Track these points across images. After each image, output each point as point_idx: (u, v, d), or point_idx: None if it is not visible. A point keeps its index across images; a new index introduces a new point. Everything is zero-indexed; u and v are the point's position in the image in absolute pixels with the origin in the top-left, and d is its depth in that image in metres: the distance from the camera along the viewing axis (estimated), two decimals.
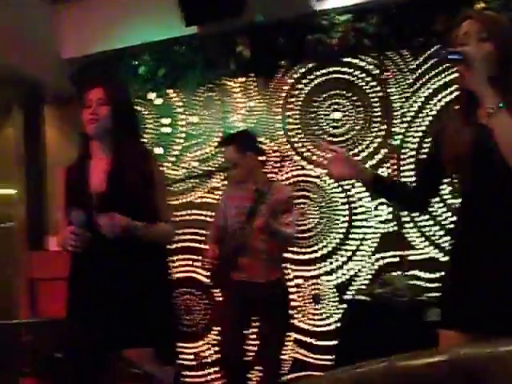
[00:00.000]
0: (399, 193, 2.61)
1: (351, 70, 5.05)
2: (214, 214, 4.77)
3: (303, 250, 5.05)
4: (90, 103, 2.92)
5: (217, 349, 5.18)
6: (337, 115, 5.08)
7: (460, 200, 2.38)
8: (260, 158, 4.55)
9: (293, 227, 4.19)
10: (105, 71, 5.42)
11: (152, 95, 5.65)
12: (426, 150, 4.70)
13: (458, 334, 2.17)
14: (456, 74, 2.36)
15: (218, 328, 5.06)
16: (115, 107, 2.92)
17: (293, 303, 4.76)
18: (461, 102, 2.33)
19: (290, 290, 4.65)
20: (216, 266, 4.23)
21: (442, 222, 4.67)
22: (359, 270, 4.90)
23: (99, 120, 2.90)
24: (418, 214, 4.11)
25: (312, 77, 5.17)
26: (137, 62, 5.51)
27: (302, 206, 5.05)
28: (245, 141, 4.35)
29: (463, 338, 2.14)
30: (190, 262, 5.41)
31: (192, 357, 5.34)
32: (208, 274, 4.68)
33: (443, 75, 4.75)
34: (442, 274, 4.51)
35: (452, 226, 4.55)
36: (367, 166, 4.78)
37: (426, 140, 4.78)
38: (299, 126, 5.19)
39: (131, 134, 2.98)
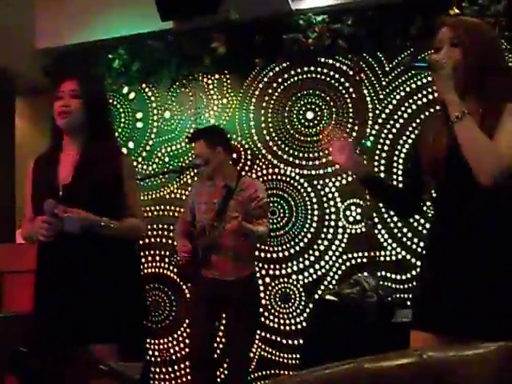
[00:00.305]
0: (388, 195, 2.61)
1: (326, 71, 5.06)
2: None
3: (273, 249, 5.06)
4: (62, 95, 2.88)
5: (183, 346, 5.17)
6: (310, 115, 5.09)
7: (434, 202, 2.40)
8: (230, 155, 4.54)
9: (265, 226, 4.18)
10: (79, 63, 5.37)
11: (126, 89, 5.61)
12: (401, 153, 4.78)
13: (430, 335, 2.18)
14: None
15: (187, 324, 5.05)
16: (88, 100, 2.89)
17: (262, 301, 4.76)
18: (440, 105, 2.35)
19: (260, 287, 4.65)
20: (185, 261, 4.22)
21: (412, 224, 4.70)
22: (329, 270, 4.92)
23: (70, 113, 2.86)
24: (405, 217, 4.14)
25: (286, 76, 5.17)
26: (111, 56, 5.48)
27: (273, 204, 5.05)
28: (215, 136, 4.34)
29: (436, 339, 2.16)
30: (159, 258, 5.38)
31: (159, 353, 5.31)
32: (178, 270, 4.66)
33: (417, 78, 4.79)
34: (411, 275, 4.61)
35: (421, 228, 4.63)
36: (337, 166, 4.80)
37: (399, 142, 4.82)
38: (272, 125, 5.19)
39: (103, 129, 2.95)
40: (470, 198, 2.16)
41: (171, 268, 5.30)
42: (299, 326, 4.95)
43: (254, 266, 4.42)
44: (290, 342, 4.96)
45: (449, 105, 2.14)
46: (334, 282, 4.88)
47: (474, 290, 2.12)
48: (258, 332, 4.85)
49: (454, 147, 2.14)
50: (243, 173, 5.03)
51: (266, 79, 5.22)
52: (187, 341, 5.01)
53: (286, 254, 5.04)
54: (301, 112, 5.12)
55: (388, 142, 4.86)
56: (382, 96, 4.91)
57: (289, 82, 5.16)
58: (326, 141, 2.61)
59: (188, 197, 4.60)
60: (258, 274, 4.75)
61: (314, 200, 5.01)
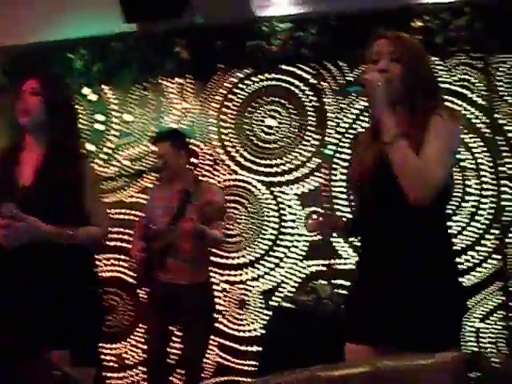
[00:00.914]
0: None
1: (288, 78, 5.08)
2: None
3: (231, 255, 5.05)
4: (23, 94, 2.84)
5: (139, 350, 5.12)
6: (271, 122, 5.10)
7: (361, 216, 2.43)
8: (190, 160, 4.54)
9: (220, 230, 4.21)
10: (40, 62, 5.29)
11: (87, 90, 5.54)
12: None
13: (363, 347, 2.20)
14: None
15: (142, 329, 5.01)
16: (48, 98, 2.84)
17: (218, 307, 4.75)
18: (369, 119, 2.39)
19: (216, 294, 4.64)
20: (141, 264, 4.19)
21: None
22: (286, 277, 4.92)
23: (30, 111, 2.81)
24: None
25: (249, 82, 5.17)
26: (72, 56, 5.40)
27: (232, 210, 5.04)
28: (179, 139, 4.36)
29: (368, 351, 2.17)
30: (117, 262, 5.33)
31: (114, 358, 5.25)
32: (133, 273, 4.62)
33: None
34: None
35: None
36: (299, 174, 4.86)
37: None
38: (233, 131, 5.18)
39: (65, 128, 2.89)
40: (393, 211, 2.20)
41: (127, 272, 5.24)
42: (256, 333, 4.94)
43: (208, 271, 4.41)
44: (246, 348, 4.95)
45: (383, 126, 2.18)
46: (291, 289, 4.88)
47: (406, 302, 2.14)
48: (216, 339, 4.84)
49: (380, 160, 2.18)
50: (202, 178, 5.01)
51: (228, 85, 5.22)
52: (142, 346, 4.97)
53: (245, 260, 5.03)
54: (262, 119, 5.12)
55: (348, 150, 4.89)
56: (343, 105, 4.94)
57: (251, 89, 5.17)
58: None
59: (147, 200, 4.58)
60: (215, 280, 4.75)
61: (273, 207, 5.01)
